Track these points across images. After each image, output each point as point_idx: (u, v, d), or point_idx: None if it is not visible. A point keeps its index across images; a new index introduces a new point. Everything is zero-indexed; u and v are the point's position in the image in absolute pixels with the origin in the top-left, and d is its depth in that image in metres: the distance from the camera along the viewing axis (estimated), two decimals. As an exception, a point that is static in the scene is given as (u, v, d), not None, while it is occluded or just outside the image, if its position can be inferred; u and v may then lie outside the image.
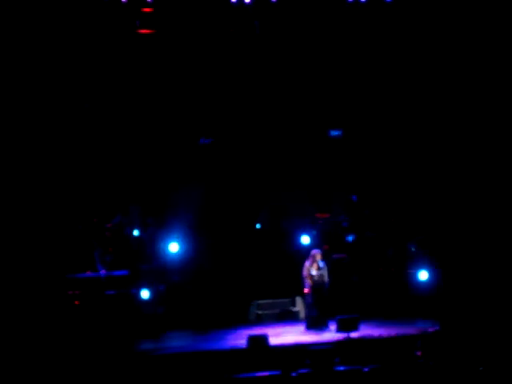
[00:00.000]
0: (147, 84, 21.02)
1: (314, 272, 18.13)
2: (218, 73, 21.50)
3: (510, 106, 20.46)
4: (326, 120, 22.46)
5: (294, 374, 14.59)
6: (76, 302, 18.04)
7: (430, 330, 17.06)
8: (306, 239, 20.30)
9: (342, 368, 14.91)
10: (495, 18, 20.34)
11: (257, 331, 17.58)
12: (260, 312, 19.92)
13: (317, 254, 18.29)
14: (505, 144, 20.58)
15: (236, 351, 16.11)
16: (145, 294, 18.47)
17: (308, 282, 18.12)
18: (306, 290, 18.21)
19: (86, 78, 20.35)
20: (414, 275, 19.48)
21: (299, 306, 19.83)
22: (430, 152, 21.64)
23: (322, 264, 18.24)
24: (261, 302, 20.02)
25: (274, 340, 16.51)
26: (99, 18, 19.76)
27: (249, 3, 20.20)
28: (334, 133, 22.51)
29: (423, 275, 19.31)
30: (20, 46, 18.93)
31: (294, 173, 22.06)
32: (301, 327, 18.44)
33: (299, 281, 18.39)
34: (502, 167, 20.52)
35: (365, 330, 17.27)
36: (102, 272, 18.72)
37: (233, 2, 20.20)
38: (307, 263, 18.22)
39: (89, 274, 18.71)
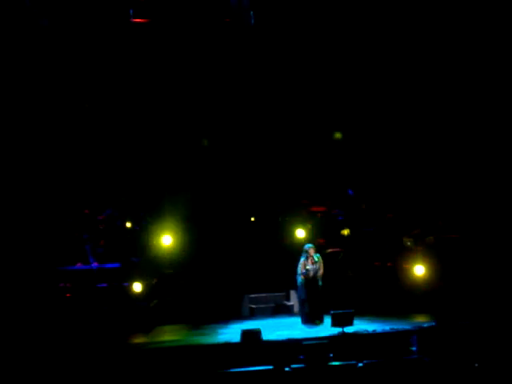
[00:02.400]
0: (139, 74, 20.83)
1: (309, 266, 17.97)
2: (214, 65, 21.32)
3: (496, 105, 20.59)
4: (323, 115, 22.30)
5: (287, 369, 14.47)
6: (67, 295, 17.93)
7: (426, 325, 16.94)
8: (301, 233, 20.15)
9: (336, 363, 14.78)
10: (491, 19, 20.38)
11: (250, 325, 17.41)
12: (254, 306, 19.77)
13: (310, 248, 18.13)
14: (498, 139, 20.61)
15: (229, 345, 15.95)
16: (137, 287, 18.34)
17: (302, 278, 17.93)
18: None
19: (78, 69, 20.18)
20: (410, 270, 19.36)
21: (293, 300, 19.68)
22: (427, 146, 21.60)
23: (316, 258, 18.07)
24: (255, 295, 19.87)
25: (267, 335, 16.35)
26: (93, 7, 19.59)
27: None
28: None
29: (419, 270, 19.21)
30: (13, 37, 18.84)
31: (290, 166, 21.89)
32: (295, 322, 18.28)
33: (294, 275, 18.23)
34: (498, 164, 20.51)
35: (359, 325, 17.13)
36: (94, 264, 18.59)
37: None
38: (302, 259, 18.06)
39: (80, 266, 18.57)
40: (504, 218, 19.98)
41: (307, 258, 18.02)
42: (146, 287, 18.52)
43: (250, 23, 20.61)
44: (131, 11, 19.77)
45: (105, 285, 18.27)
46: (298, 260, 18.07)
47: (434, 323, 16.78)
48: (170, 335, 17.53)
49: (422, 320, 17.59)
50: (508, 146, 20.81)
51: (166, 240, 19.32)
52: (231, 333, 16.98)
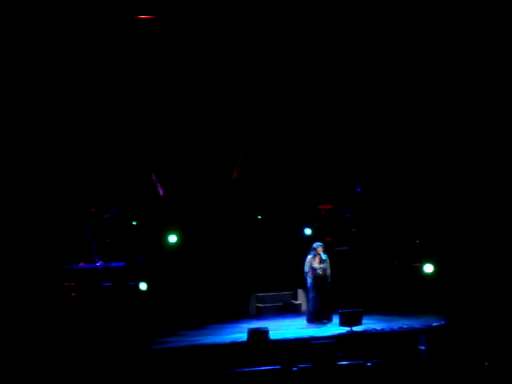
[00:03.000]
0: (144, 72, 20.73)
1: (316, 265, 17.86)
2: (220, 62, 21.21)
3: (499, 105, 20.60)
4: (328, 114, 22.19)
5: (295, 369, 14.35)
6: (72, 294, 17.89)
7: (435, 324, 16.82)
8: (308, 231, 20.04)
9: (344, 363, 14.65)
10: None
11: (257, 325, 17.28)
12: (261, 305, 19.67)
13: (319, 246, 18.05)
14: (503, 138, 20.63)
15: (236, 345, 15.84)
16: (142, 286, 18.28)
17: (310, 276, 17.84)
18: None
19: (82, 67, 20.10)
20: (419, 268, 19.24)
21: (301, 299, 19.58)
22: (436, 144, 21.54)
23: (324, 257, 17.97)
24: (262, 294, 19.77)
25: (274, 334, 16.23)
26: (96, 3, 19.52)
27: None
28: None
29: (428, 268, 19.10)
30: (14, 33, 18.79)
31: (297, 163, 21.77)
32: (302, 321, 18.21)
33: (301, 273, 18.17)
34: (505, 163, 20.50)
35: (368, 324, 16.99)
36: (99, 263, 18.53)
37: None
38: (309, 257, 17.96)
39: (85, 265, 18.51)
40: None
41: (314, 256, 17.95)
42: (151, 286, 18.45)
43: (257, 20, 20.54)
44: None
45: (110, 284, 18.21)
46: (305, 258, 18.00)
47: (443, 322, 16.68)
48: (175, 335, 17.41)
49: (431, 319, 17.48)
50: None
51: (172, 238, 19.25)
52: (238, 332, 16.88)
